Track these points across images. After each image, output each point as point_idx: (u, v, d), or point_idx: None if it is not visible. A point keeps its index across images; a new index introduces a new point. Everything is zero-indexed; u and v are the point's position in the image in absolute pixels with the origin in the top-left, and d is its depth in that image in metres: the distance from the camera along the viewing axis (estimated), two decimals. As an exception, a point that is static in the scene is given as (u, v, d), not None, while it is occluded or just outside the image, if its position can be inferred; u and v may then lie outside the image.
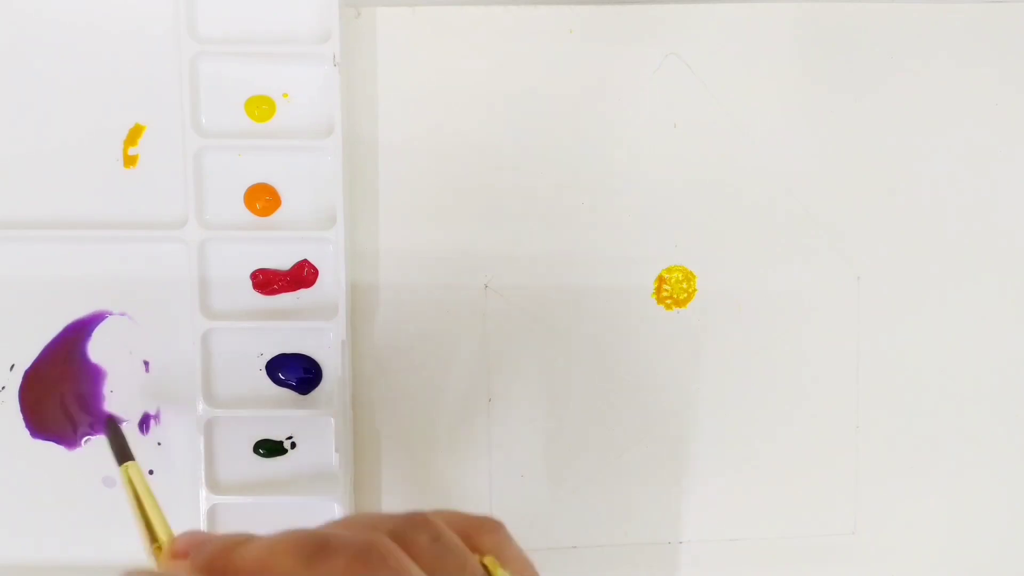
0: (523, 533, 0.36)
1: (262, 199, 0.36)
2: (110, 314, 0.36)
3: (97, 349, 0.36)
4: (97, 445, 0.36)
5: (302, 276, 0.36)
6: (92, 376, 0.36)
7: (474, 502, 0.36)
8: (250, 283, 0.36)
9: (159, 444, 0.36)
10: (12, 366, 0.36)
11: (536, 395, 0.36)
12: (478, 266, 0.36)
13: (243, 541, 0.22)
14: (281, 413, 0.36)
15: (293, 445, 0.36)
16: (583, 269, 0.36)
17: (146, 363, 0.36)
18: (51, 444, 0.36)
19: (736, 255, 0.36)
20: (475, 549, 0.23)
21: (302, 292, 0.36)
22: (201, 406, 0.35)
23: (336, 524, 0.23)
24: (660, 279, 0.36)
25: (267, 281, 0.36)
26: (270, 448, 0.36)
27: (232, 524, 0.36)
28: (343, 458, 0.35)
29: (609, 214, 0.36)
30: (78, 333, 0.36)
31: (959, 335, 0.37)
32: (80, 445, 0.36)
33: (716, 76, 0.36)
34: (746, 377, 0.37)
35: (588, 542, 0.37)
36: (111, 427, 0.35)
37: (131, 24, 0.35)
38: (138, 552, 0.36)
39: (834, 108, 0.36)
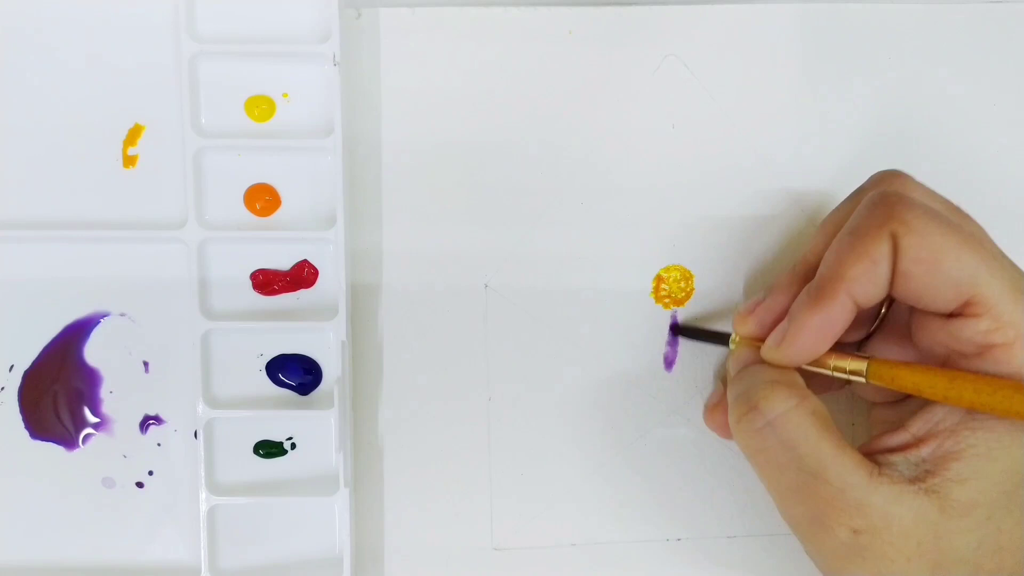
0: (523, 532, 0.36)
1: (262, 199, 0.36)
2: (109, 314, 0.36)
3: (96, 349, 0.36)
4: (97, 445, 0.36)
5: (302, 276, 0.36)
6: (91, 376, 0.36)
7: (474, 502, 0.36)
8: (250, 283, 0.36)
9: (159, 445, 0.36)
10: (12, 367, 0.36)
11: (536, 395, 0.36)
12: (478, 266, 0.36)
13: None
14: (281, 414, 0.36)
15: (293, 446, 0.36)
16: (583, 269, 0.36)
17: (146, 364, 0.36)
18: (51, 444, 0.36)
19: (734, 255, 0.36)
20: None
21: (302, 292, 0.36)
22: (201, 407, 0.35)
23: None
24: (658, 278, 0.37)
25: (267, 281, 0.36)
26: (270, 449, 0.36)
27: (232, 525, 0.36)
28: (344, 458, 0.35)
29: (608, 214, 0.36)
30: (77, 334, 0.36)
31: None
32: (80, 446, 0.36)
33: (715, 77, 0.36)
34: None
35: (588, 540, 0.37)
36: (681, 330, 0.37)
37: (130, 24, 0.35)
38: (136, 553, 0.36)
39: (833, 109, 0.36)
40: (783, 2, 0.36)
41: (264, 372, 0.36)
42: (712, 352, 0.37)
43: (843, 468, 0.28)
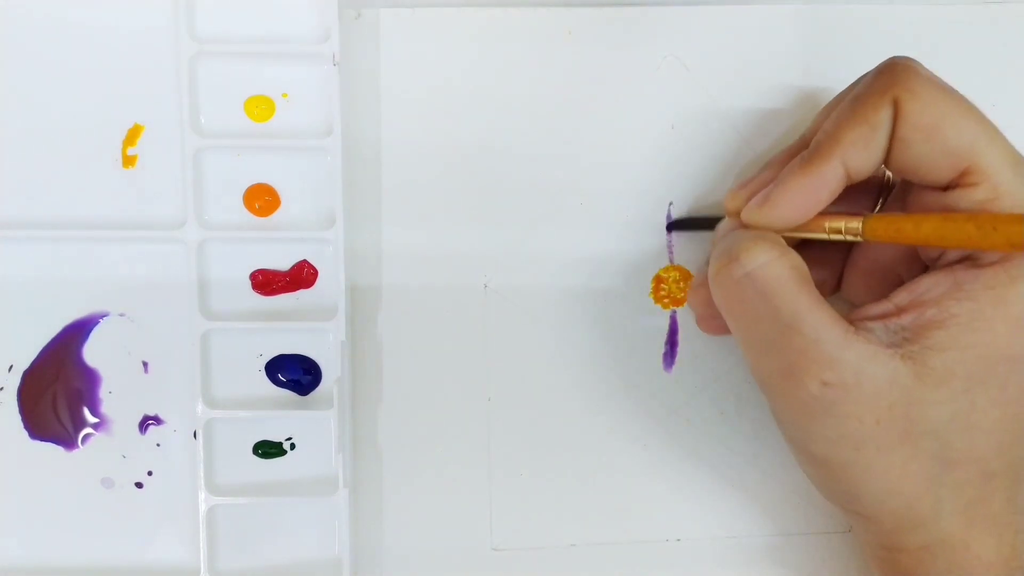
0: (523, 532, 0.36)
1: (261, 199, 0.36)
2: (109, 314, 0.36)
3: (96, 350, 0.36)
4: (96, 445, 0.36)
5: (302, 276, 0.36)
6: (91, 377, 0.36)
7: (474, 502, 0.36)
8: (249, 283, 0.36)
9: (158, 445, 0.36)
10: (11, 367, 0.36)
11: (536, 395, 0.36)
12: (478, 266, 0.36)
13: None
14: (280, 414, 0.36)
15: (292, 446, 0.36)
16: (582, 269, 0.36)
17: (145, 364, 0.36)
18: (50, 445, 0.36)
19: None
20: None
21: (302, 292, 0.36)
22: (200, 407, 0.35)
23: None
24: (658, 279, 0.37)
25: (266, 281, 0.36)
26: (269, 449, 0.36)
27: (231, 526, 0.36)
28: (343, 458, 0.34)
29: (607, 214, 0.36)
30: (77, 334, 0.36)
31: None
32: (79, 446, 0.36)
33: (714, 78, 0.36)
34: (745, 375, 0.37)
35: (587, 540, 0.37)
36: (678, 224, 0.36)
37: (130, 24, 0.35)
38: (135, 554, 0.36)
39: (832, 108, 0.36)
40: (783, 2, 0.36)
41: (263, 372, 0.36)
42: (714, 352, 0.37)
43: (818, 322, 0.28)
